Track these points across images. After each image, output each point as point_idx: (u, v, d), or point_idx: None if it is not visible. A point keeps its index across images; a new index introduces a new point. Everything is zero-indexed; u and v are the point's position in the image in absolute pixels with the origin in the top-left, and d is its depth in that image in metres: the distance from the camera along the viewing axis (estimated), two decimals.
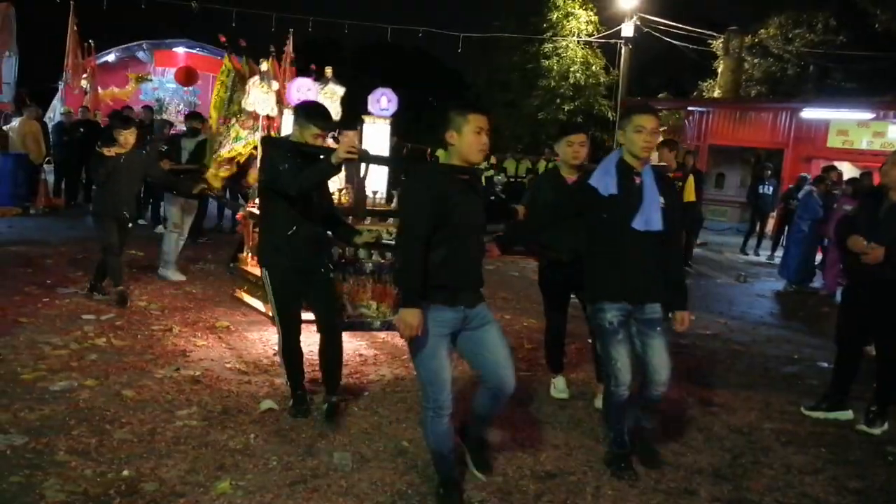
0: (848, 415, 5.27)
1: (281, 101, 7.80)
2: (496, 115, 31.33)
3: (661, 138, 9.47)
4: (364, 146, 6.74)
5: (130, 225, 7.43)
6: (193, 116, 9.77)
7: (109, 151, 7.11)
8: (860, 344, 5.39)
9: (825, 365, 6.66)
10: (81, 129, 14.18)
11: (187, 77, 20.26)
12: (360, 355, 5.95)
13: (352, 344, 6.10)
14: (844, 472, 4.41)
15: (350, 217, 6.00)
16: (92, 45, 18.58)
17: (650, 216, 3.83)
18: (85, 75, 18.39)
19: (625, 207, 3.84)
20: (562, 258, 4.72)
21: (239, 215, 8.23)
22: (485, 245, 3.80)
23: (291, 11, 20.67)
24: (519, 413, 4.92)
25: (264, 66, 7.86)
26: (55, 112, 17.39)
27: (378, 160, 5.48)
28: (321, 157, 4.23)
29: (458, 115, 3.46)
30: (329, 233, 4.77)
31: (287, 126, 7.01)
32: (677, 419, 5.06)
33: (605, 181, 3.91)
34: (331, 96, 7.77)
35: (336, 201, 6.23)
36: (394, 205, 7.34)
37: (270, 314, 5.39)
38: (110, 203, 7.05)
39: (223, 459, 3.91)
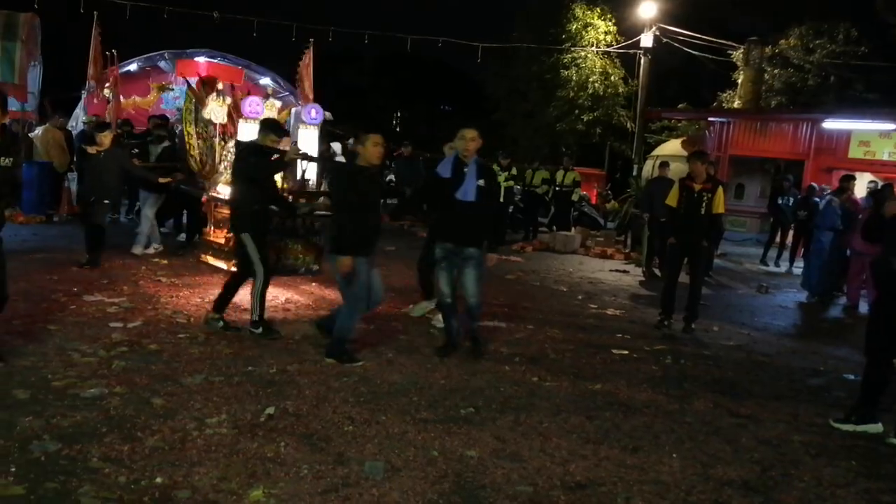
0: (878, 428, 5.24)
1: (236, 112, 10.08)
2: (515, 126, 31.43)
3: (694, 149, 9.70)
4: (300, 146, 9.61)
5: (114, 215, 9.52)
6: (158, 126, 11.85)
7: (91, 149, 9.24)
8: (889, 356, 5.35)
9: (852, 377, 6.61)
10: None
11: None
12: (375, 359, 5.96)
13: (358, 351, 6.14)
14: (876, 485, 4.38)
15: (291, 196, 8.89)
16: (115, 54, 18.74)
17: (467, 191, 6.00)
18: (108, 84, 18.55)
19: (454, 185, 6.01)
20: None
21: (203, 198, 9.99)
22: (381, 215, 5.96)
23: (312, 22, 20.80)
24: (546, 423, 4.93)
25: (220, 85, 10.67)
26: (77, 120, 17.52)
27: (309, 158, 8.33)
28: (274, 155, 6.49)
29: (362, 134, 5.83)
30: (275, 208, 7.05)
31: (244, 132, 9.42)
32: (705, 430, 5.05)
33: (445, 169, 6.12)
34: (271, 108, 10.42)
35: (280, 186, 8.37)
36: (323, 188, 10.13)
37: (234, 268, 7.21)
38: (98, 190, 9.03)
39: (254, 467, 3.92)
